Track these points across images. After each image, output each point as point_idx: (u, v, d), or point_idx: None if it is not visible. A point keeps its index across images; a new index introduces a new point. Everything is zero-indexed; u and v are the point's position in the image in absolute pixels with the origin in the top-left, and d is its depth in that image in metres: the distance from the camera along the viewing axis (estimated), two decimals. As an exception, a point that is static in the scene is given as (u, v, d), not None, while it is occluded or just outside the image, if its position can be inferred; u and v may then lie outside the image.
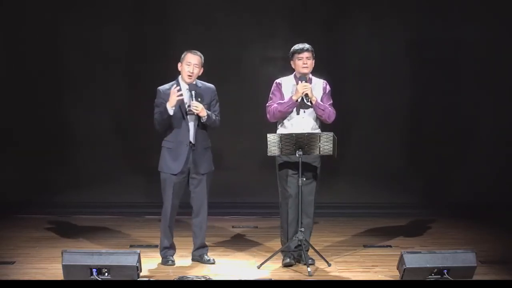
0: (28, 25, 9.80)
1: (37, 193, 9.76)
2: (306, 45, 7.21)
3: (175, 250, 7.33)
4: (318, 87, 7.23)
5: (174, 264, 7.20)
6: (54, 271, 6.85)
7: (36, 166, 9.90)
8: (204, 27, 9.81)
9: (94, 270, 6.41)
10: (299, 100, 7.12)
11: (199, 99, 7.09)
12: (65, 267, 6.46)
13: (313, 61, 7.22)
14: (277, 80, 7.30)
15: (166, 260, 7.21)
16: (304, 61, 7.16)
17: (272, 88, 7.28)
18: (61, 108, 9.93)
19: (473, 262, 6.58)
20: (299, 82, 7.14)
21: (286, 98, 7.17)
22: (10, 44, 9.83)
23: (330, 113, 7.20)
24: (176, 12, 9.86)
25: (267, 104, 7.26)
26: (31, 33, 9.82)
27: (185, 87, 7.13)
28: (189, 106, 7.06)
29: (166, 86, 7.18)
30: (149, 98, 9.68)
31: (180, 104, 7.07)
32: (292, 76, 7.28)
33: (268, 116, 7.26)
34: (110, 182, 9.88)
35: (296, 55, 7.18)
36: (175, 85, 7.05)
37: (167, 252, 7.24)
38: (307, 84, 7.11)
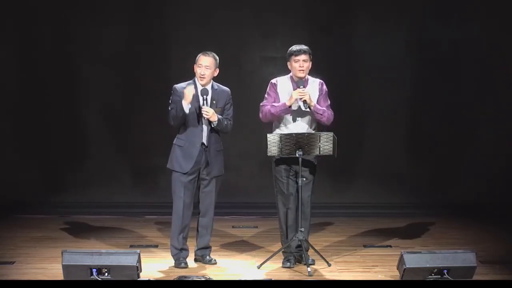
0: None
1: (37, 193, 9.77)
2: (304, 47, 7.14)
3: (188, 252, 7.28)
4: (314, 88, 7.20)
5: (187, 267, 7.15)
6: (54, 271, 6.85)
7: (36, 166, 9.91)
8: (204, 27, 9.82)
9: (94, 270, 6.41)
10: (292, 106, 7.11)
11: (214, 102, 7.10)
12: (65, 267, 6.46)
13: (310, 63, 7.18)
14: (272, 80, 7.26)
15: (179, 263, 7.16)
16: (300, 64, 7.11)
17: (268, 88, 7.25)
18: (61, 109, 9.93)
19: (473, 262, 6.57)
20: (297, 87, 7.10)
21: (281, 100, 7.15)
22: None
23: (328, 116, 7.18)
24: (176, 12, 9.86)
25: (261, 104, 7.24)
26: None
27: (201, 87, 7.15)
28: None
29: (183, 84, 7.18)
30: (150, 98, 9.76)
31: (195, 106, 7.07)
32: (288, 76, 7.25)
33: (260, 115, 7.24)
34: (110, 182, 9.88)
35: (293, 57, 7.13)
36: (192, 86, 7.04)
37: (180, 254, 7.19)
38: (303, 91, 7.06)
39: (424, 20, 9.96)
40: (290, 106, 7.10)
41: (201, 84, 7.14)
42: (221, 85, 7.25)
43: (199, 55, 7.17)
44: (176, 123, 7.12)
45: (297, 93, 7.05)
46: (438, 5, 9.89)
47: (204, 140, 7.13)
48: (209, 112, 7.02)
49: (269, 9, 9.88)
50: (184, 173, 7.11)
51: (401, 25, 9.96)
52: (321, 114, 7.14)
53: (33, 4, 9.78)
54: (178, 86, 7.19)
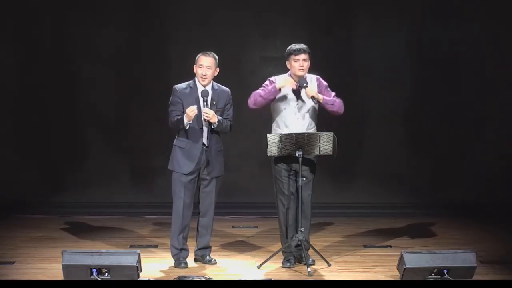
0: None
1: (37, 193, 9.77)
2: (303, 46, 7.13)
3: (188, 252, 7.28)
4: (312, 85, 7.18)
5: (187, 267, 7.15)
6: (54, 271, 6.85)
7: (36, 166, 9.91)
8: (204, 27, 9.82)
9: (94, 270, 6.40)
10: (282, 91, 7.09)
11: (214, 102, 7.09)
12: (65, 267, 6.46)
13: (309, 63, 7.19)
14: (271, 78, 7.24)
15: (179, 263, 7.16)
16: (300, 64, 7.10)
17: (265, 83, 7.24)
18: (61, 109, 9.93)
19: (473, 262, 6.57)
20: (300, 86, 7.07)
21: (278, 98, 7.14)
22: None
23: (339, 104, 7.19)
24: (176, 12, 9.86)
25: (253, 91, 7.23)
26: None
27: (201, 88, 7.14)
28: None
29: (183, 85, 7.18)
30: (149, 98, 9.76)
31: (196, 107, 7.06)
32: (286, 75, 7.22)
33: (249, 101, 7.19)
34: (110, 182, 9.88)
35: (293, 57, 7.12)
36: (195, 106, 7.01)
37: (180, 254, 7.19)
38: (309, 89, 7.04)
39: (424, 20, 9.96)
40: (279, 89, 7.09)
41: (202, 85, 7.13)
42: (221, 86, 7.25)
43: (198, 55, 7.16)
44: (175, 129, 7.15)
45: (291, 82, 7.05)
46: (438, 5, 9.89)
47: (205, 141, 7.13)
48: (209, 114, 7.02)
49: (269, 9, 9.88)
50: (185, 174, 7.11)
51: (401, 25, 9.96)
52: (332, 104, 7.15)
53: (33, 4, 9.78)
54: (178, 86, 7.19)
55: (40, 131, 9.88)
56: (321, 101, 7.10)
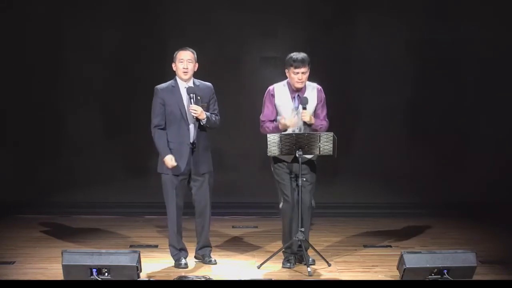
0: (27, 26, 9.80)
1: (37, 193, 9.76)
2: (304, 58, 7.01)
3: (187, 252, 7.30)
4: (312, 94, 7.15)
5: (187, 267, 7.15)
6: (54, 271, 6.86)
7: (36, 166, 9.90)
8: (204, 27, 9.81)
9: (94, 270, 6.41)
10: (281, 96, 7.10)
11: (199, 98, 7.04)
12: (65, 267, 6.46)
13: (308, 71, 7.10)
14: (270, 89, 7.19)
15: (179, 264, 7.17)
16: (299, 77, 7.03)
17: (265, 98, 7.20)
18: (61, 108, 9.93)
19: (473, 262, 6.58)
20: (300, 105, 7.05)
21: (279, 110, 7.11)
22: (9, 45, 9.83)
23: (325, 128, 7.19)
24: (176, 12, 9.86)
25: (260, 118, 7.20)
26: (31, 34, 9.82)
27: (183, 85, 7.11)
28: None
29: (164, 85, 7.16)
30: (148, 98, 9.69)
31: (180, 106, 7.05)
32: (284, 83, 7.18)
33: (261, 129, 7.22)
34: (109, 182, 9.88)
35: (292, 69, 7.03)
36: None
37: (179, 254, 7.21)
38: (305, 113, 7.02)
39: (424, 20, 9.95)
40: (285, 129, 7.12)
41: (184, 79, 7.10)
42: (202, 81, 7.23)
43: (177, 51, 7.14)
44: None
45: (291, 122, 7.05)
46: (438, 5, 9.89)
47: (193, 139, 7.10)
48: (197, 111, 6.99)
49: (269, 9, 9.87)
50: (176, 175, 7.09)
51: (402, 25, 9.95)
52: (320, 127, 7.16)
53: (31, 2, 9.77)
54: (160, 87, 7.17)
55: (40, 131, 9.87)
56: (312, 124, 7.10)
